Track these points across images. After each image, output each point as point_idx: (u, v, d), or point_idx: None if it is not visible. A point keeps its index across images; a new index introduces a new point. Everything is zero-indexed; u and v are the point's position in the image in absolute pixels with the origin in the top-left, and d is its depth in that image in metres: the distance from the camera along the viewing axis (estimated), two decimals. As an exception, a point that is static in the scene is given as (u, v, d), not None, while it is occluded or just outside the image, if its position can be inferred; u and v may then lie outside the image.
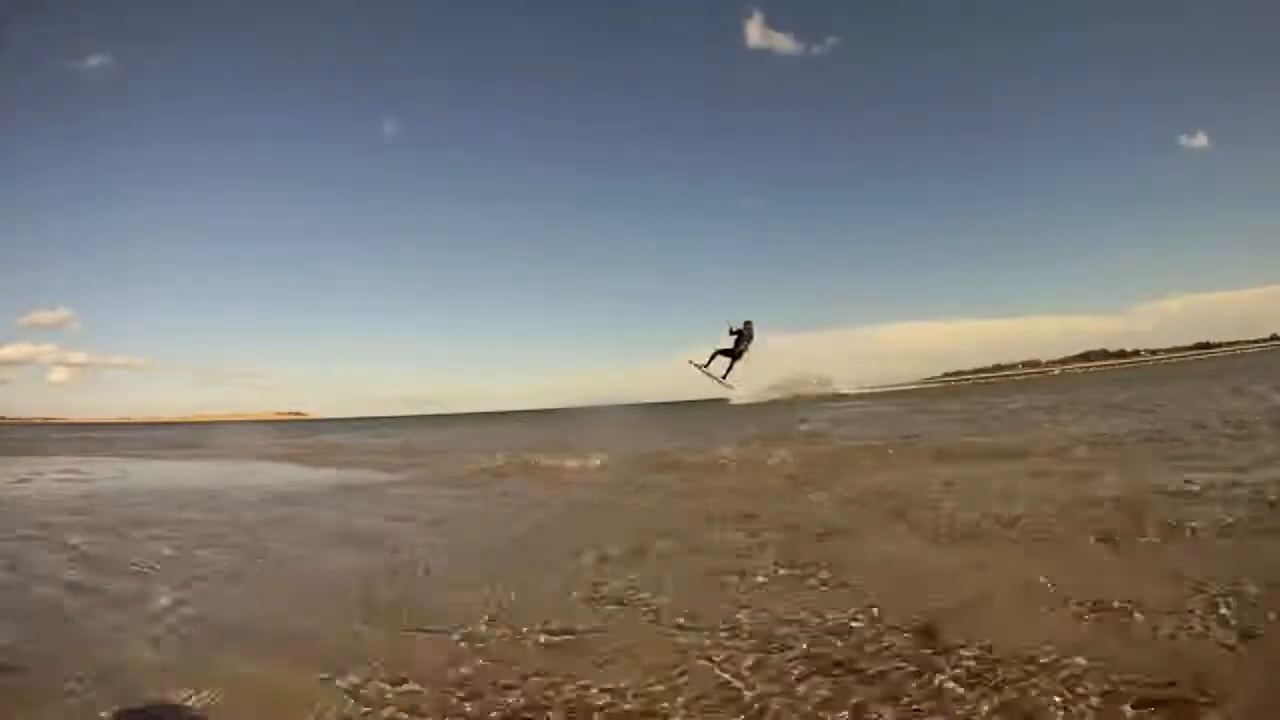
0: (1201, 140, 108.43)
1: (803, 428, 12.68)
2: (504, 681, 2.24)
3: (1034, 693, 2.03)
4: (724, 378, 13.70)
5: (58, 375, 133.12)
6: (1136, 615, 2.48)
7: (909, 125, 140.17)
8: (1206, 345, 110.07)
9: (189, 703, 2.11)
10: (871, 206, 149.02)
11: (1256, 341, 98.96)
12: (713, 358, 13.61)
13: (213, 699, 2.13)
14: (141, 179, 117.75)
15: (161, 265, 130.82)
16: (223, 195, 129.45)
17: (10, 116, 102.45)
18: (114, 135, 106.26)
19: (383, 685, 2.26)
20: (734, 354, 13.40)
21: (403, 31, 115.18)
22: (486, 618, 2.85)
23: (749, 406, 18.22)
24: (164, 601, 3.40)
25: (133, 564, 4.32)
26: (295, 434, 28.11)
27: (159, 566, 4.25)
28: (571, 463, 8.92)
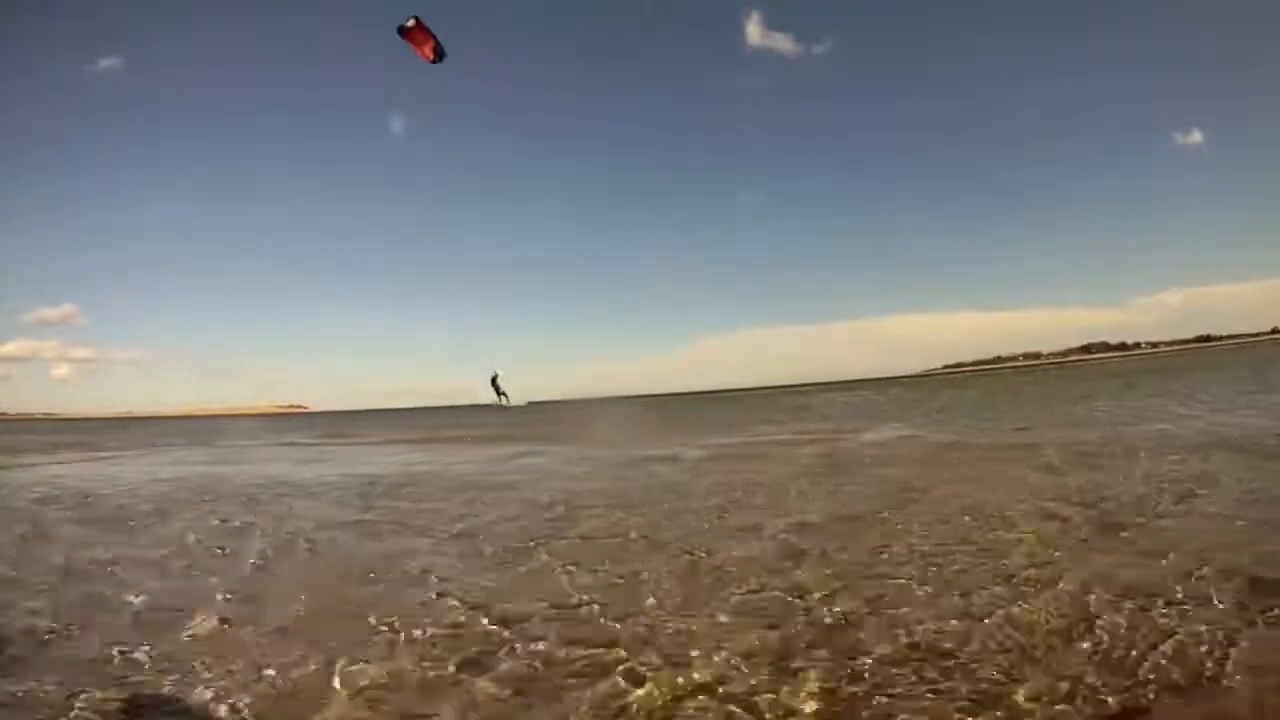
0: (1196, 137, 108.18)
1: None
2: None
3: None
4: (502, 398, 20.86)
5: (61, 371, 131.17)
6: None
7: (908, 122, 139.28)
8: (1208, 338, 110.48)
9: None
10: (871, 201, 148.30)
11: (1257, 335, 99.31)
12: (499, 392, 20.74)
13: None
14: (147, 178, 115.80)
15: (163, 262, 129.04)
16: (228, 193, 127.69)
17: (22, 117, 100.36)
18: (122, 135, 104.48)
19: None
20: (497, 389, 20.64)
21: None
22: None
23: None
24: None
25: None
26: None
27: None
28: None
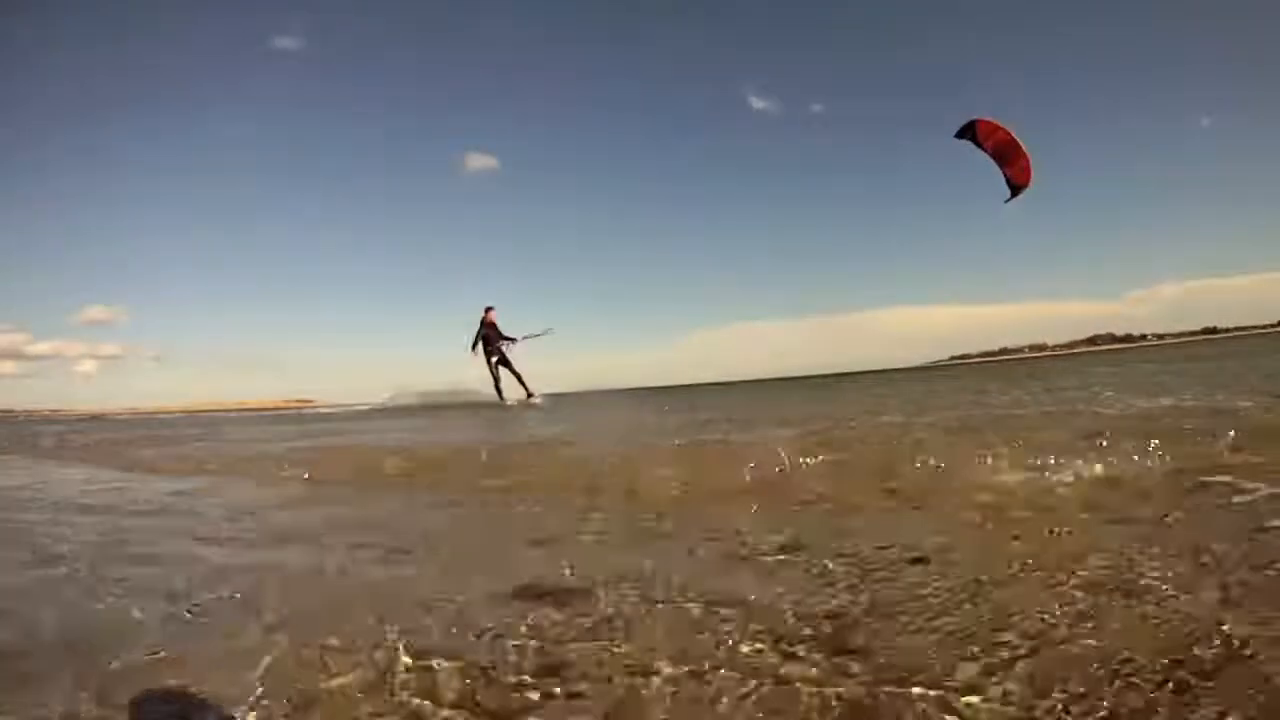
0: (1200, 127, 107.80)
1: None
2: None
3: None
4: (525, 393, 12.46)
5: (87, 367, 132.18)
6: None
7: (906, 116, 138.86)
8: (1213, 330, 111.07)
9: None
10: (868, 194, 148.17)
11: (1264, 327, 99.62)
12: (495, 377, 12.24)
13: None
14: (148, 174, 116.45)
15: (164, 258, 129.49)
16: (242, 188, 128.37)
17: (69, 115, 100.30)
18: (155, 130, 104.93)
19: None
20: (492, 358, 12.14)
21: (410, 40, 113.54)
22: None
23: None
24: None
25: None
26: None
27: None
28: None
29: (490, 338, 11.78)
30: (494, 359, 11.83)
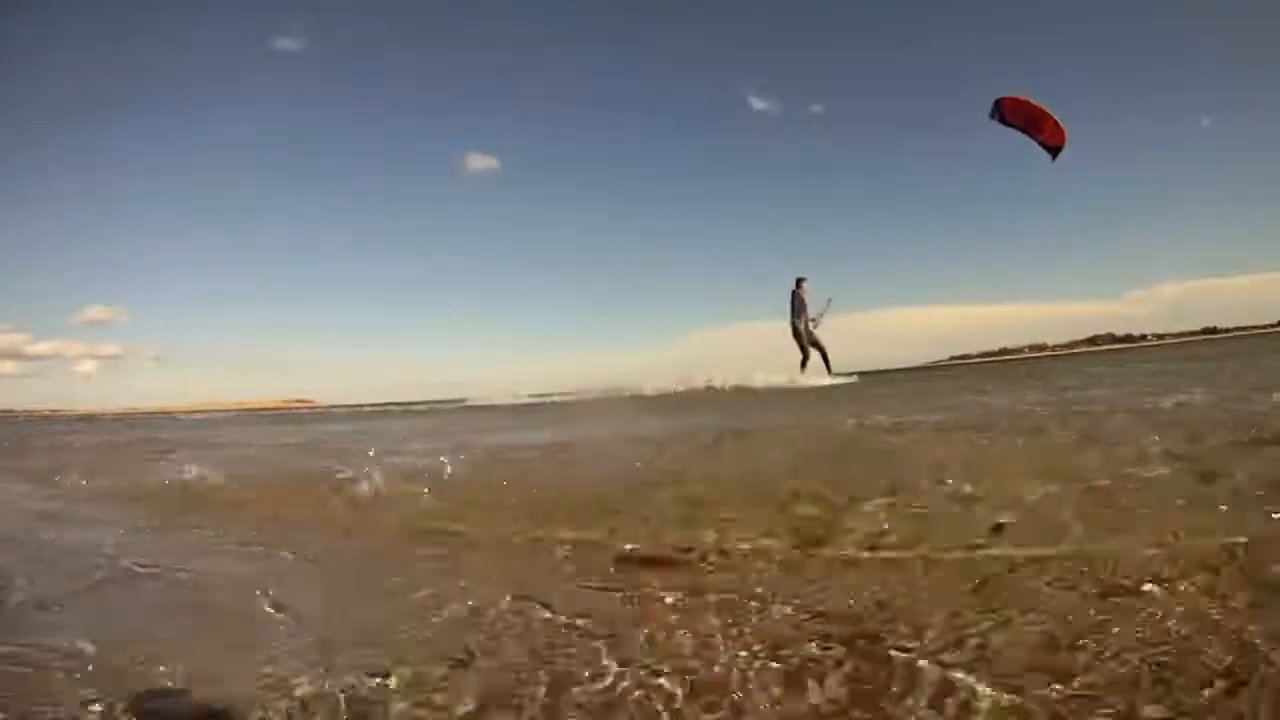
0: (1200, 127, 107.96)
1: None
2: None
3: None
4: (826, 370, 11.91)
5: (87, 367, 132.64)
6: None
7: (905, 115, 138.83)
8: (1213, 330, 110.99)
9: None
10: (868, 194, 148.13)
11: (1264, 327, 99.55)
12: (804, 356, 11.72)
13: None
14: (148, 174, 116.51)
15: (164, 258, 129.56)
16: (229, 189, 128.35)
17: (71, 115, 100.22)
18: (155, 129, 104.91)
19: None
20: (797, 334, 11.72)
21: (410, 40, 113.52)
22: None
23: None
24: None
25: None
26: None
27: None
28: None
29: (799, 311, 11.82)
30: (804, 333, 11.87)
